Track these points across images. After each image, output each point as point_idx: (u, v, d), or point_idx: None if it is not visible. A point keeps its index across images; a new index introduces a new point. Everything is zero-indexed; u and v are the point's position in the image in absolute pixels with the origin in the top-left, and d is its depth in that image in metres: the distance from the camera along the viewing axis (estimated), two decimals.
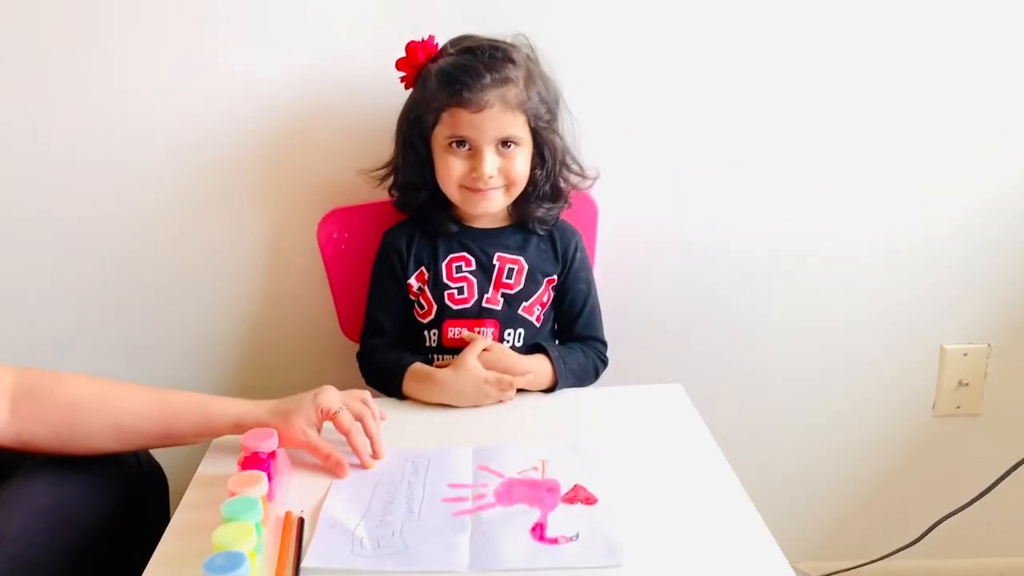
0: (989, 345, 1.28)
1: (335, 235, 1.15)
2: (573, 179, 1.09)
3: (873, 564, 1.35)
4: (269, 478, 0.77)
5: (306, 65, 1.12)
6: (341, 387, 1.20)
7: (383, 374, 1.03)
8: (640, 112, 1.16)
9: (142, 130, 1.14)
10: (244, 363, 1.25)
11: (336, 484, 0.83)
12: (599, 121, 1.13)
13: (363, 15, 1.10)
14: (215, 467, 0.86)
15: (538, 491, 0.80)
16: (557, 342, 1.09)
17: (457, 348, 1.02)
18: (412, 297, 1.07)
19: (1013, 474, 1.22)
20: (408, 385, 1.00)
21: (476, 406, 0.97)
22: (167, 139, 1.15)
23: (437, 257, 1.05)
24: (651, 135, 1.17)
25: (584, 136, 1.09)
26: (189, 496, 0.82)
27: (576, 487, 0.81)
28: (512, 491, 0.80)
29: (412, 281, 1.06)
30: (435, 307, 1.05)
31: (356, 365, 1.09)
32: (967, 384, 1.29)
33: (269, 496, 0.77)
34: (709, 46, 1.14)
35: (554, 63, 1.05)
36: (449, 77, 0.97)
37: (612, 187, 1.15)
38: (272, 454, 0.80)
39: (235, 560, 0.63)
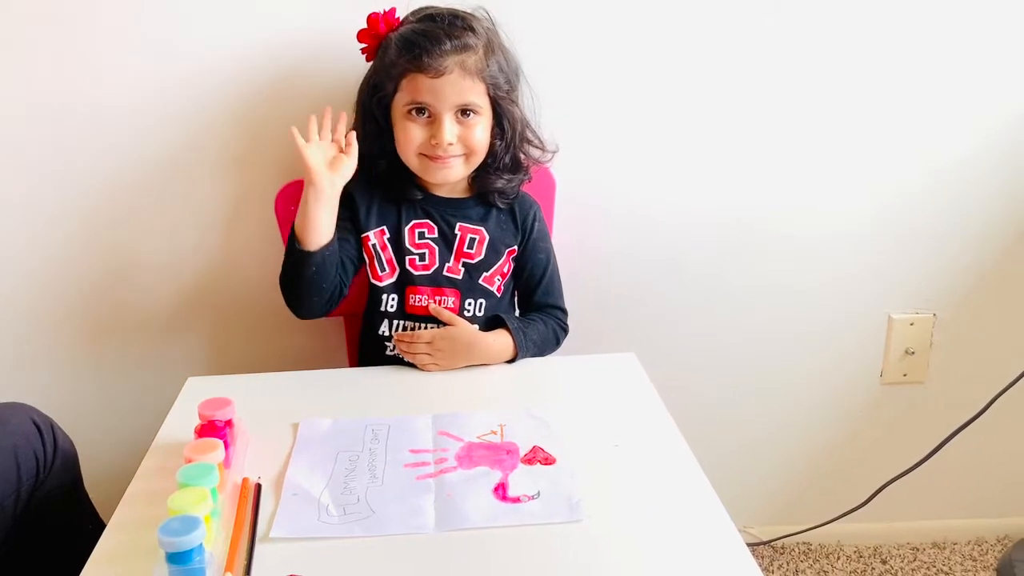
0: (935, 315, 1.32)
1: (293, 207, 1.13)
2: (534, 152, 1.09)
3: (821, 528, 1.39)
4: (226, 446, 0.76)
5: (266, 38, 1.11)
6: (302, 360, 1.21)
7: (286, 257, 1.00)
8: (597, 88, 1.17)
9: (100, 103, 1.11)
10: (203, 334, 1.24)
11: (297, 453, 0.83)
12: (558, 96, 1.13)
13: None
14: (172, 436, 0.85)
15: (498, 453, 0.81)
16: (517, 312, 1.10)
17: (419, 315, 1.03)
18: (367, 255, 1.05)
19: (954, 439, 1.27)
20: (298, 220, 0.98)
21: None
22: (126, 112, 1.12)
23: (400, 220, 1.05)
24: (607, 110, 1.18)
25: (543, 111, 1.09)
26: (146, 464, 0.81)
27: (535, 448, 0.82)
28: (473, 454, 0.81)
29: (370, 235, 1.04)
30: (397, 270, 1.04)
31: (316, 336, 1.09)
32: (913, 353, 1.34)
33: (226, 463, 0.76)
34: (666, 22, 1.14)
35: (514, 39, 1.05)
36: (409, 43, 0.97)
37: (570, 161, 1.15)
38: (228, 422, 0.80)
39: (190, 524, 0.62)
